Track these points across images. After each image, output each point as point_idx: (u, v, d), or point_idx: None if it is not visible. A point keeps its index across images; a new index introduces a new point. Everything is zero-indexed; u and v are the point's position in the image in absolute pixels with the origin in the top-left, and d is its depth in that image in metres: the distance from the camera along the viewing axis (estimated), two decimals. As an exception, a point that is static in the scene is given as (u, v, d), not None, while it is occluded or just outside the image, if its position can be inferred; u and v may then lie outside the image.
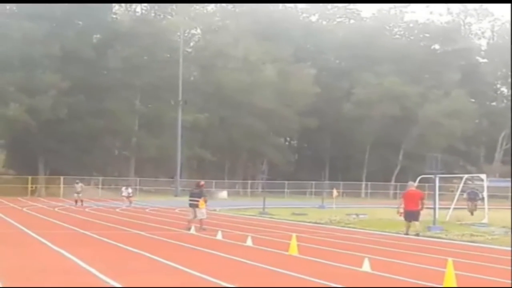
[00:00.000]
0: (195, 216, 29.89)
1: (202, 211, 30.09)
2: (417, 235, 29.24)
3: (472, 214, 44.24)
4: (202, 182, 32.63)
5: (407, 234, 29.56)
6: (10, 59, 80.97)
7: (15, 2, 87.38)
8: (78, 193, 55.03)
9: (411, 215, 29.63)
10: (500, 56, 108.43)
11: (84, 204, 54.12)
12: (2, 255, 19.23)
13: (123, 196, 54.84)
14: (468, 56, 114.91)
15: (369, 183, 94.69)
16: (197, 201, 30.16)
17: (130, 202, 54.03)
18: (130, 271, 16.34)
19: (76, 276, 15.26)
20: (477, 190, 47.08)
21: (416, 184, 40.88)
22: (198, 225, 29.48)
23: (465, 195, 47.40)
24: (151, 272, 16.13)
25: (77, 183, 56.49)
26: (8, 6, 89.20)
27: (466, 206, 46.21)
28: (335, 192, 58.97)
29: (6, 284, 13.68)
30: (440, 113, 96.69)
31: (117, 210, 48.63)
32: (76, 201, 54.49)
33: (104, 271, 15.48)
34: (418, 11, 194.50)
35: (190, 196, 30.54)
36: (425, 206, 30.14)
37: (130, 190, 56.29)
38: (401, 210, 30.34)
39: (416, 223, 29.60)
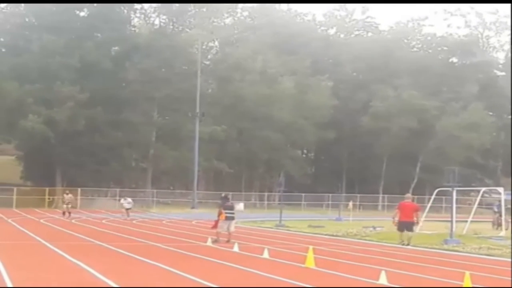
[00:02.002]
0: (229, 228, 29.89)
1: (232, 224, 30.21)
2: (407, 244, 30.15)
3: (497, 228, 43.76)
4: (230, 195, 32.65)
5: (402, 243, 30.44)
6: (29, 70, 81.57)
7: (20, 2, 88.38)
8: (67, 204, 52.87)
9: (405, 225, 30.64)
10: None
11: (72, 215, 52.25)
12: (19, 265, 19.28)
13: (127, 208, 53.66)
14: (486, 69, 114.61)
15: (386, 195, 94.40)
16: (233, 213, 30.46)
17: (128, 215, 52.95)
18: (146, 283, 16.36)
19: None
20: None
21: (433, 197, 41.09)
22: (215, 237, 29.55)
23: (494, 208, 47.10)
24: (167, 284, 16.14)
25: (66, 193, 55.02)
26: (27, 18, 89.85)
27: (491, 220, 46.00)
28: (350, 204, 58.86)
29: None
30: (458, 126, 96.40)
31: (134, 222, 48.72)
32: (63, 213, 52.50)
33: (120, 283, 15.52)
34: (436, 24, 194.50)
35: (226, 209, 30.28)
36: (420, 218, 31.51)
37: (129, 199, 55.18)
38: (396, 220, 31.19)
39: (410, 233, 30.58)
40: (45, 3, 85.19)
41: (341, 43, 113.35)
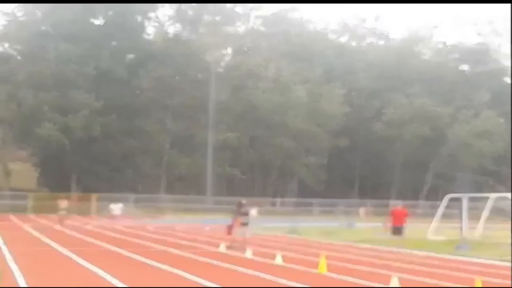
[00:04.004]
0: (245, 234, 30.21)
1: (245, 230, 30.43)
2: (399, 247, 31.70)
3: None
4: (245, 201, 32.85)
5: (396, 247, 32.06)
6: (44, 78, 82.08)
7: (24, 2, 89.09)
8: (61, 210, 50.04)
9: (397, 230, 32.75)
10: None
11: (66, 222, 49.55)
12: (35, 272, 19.50)
13: (113, 214, 51.22)
14: (498, 77, 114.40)
15: (398, 202, 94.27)
16: (248, 219, 30.75)
17: (114, 220, 50.45)
18: None
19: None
20: None
21: (445, 203, 41.39)
22: (229, 243, 29.77)
23: None
24: None
25: (62, 200, 51.87)
26: (43, 26, 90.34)
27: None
28: (362, 211, 58.93)
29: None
30: (470, 134, 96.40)
31: (147, 227, 48.85)
32: (60, 220, 49.24)
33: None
34: (447, 32, 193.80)
35: (243, 215, 30.61)
36: (407, 222, 33.36)
37: (121, 205, 52.84)
38: (388, 225, 33.59)
39: (401, 237, 32.81)
40: (62, 3, 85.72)
41: (353, 51, 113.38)
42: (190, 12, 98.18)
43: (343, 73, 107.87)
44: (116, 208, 52.06)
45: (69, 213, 53.27)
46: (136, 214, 75.96)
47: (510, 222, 44.69)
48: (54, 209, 67.67)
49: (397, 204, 35.12)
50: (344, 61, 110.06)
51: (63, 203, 50.90)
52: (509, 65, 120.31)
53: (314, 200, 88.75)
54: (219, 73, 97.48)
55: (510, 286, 18.30)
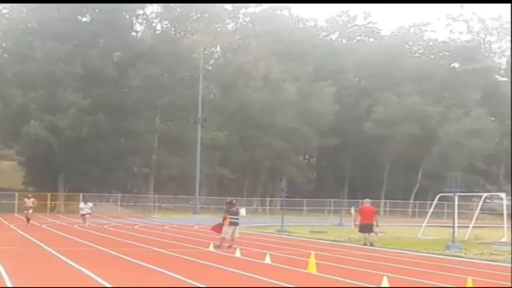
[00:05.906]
0: (233, 234, 29.92)
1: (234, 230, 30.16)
2: (371, 244, 33.27)
3: None
4: (234, 200, 32.56)
5: (365, 244, 33.28)
6: (32, 77, 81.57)
7: (20, 2, 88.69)
8: (28, 209, 48.69)
9: (366, 228, 33.93)
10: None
11: (32, 222, 48.32)
12: (21, 272, 19.27)
13: (82, 214, 49.22)
14: (488, 75, 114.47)
15: (388, 201, 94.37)
16: (238, 219, 30.45)
17: (84, 221, 48.71)
18: None
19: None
20: None
21: (435, 202, 41.37)
22: (218, 242, 29.52)
23: None
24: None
25: (28, 197, 50.26)
26: (29, 24, 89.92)
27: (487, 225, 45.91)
28: (352, 210, 58.88)
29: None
30: (461, 132, 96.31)
31: (136, 227, 48.69)
32: (27, 219, 48.09)
33: None
34: (438, 30, 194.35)
35: (230, 214, 30.29)
36: (378, 222, 34.45)
37: (91, 204, 50.73)
38: (357, 223, 34.95)
39: (371, 234, 33.97)
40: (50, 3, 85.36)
41: (343, 49, 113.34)
42: (178, 10, 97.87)
43: (333, 71, 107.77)
44: (86, 207, 50.34)
45: (34, 212, 51.56)
46: (124, 213, 75.80)
47: (500, 221, 44.77)
48: (41, 209, 67.62)
49: (366, 202, 35.33)
50: (334, 59, 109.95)
51: (30, 202, 49.58)
52: (500, 62, 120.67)
53: (303, 199, 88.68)
54: (208, 71, 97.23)
55: (509, 286, 18.08)
